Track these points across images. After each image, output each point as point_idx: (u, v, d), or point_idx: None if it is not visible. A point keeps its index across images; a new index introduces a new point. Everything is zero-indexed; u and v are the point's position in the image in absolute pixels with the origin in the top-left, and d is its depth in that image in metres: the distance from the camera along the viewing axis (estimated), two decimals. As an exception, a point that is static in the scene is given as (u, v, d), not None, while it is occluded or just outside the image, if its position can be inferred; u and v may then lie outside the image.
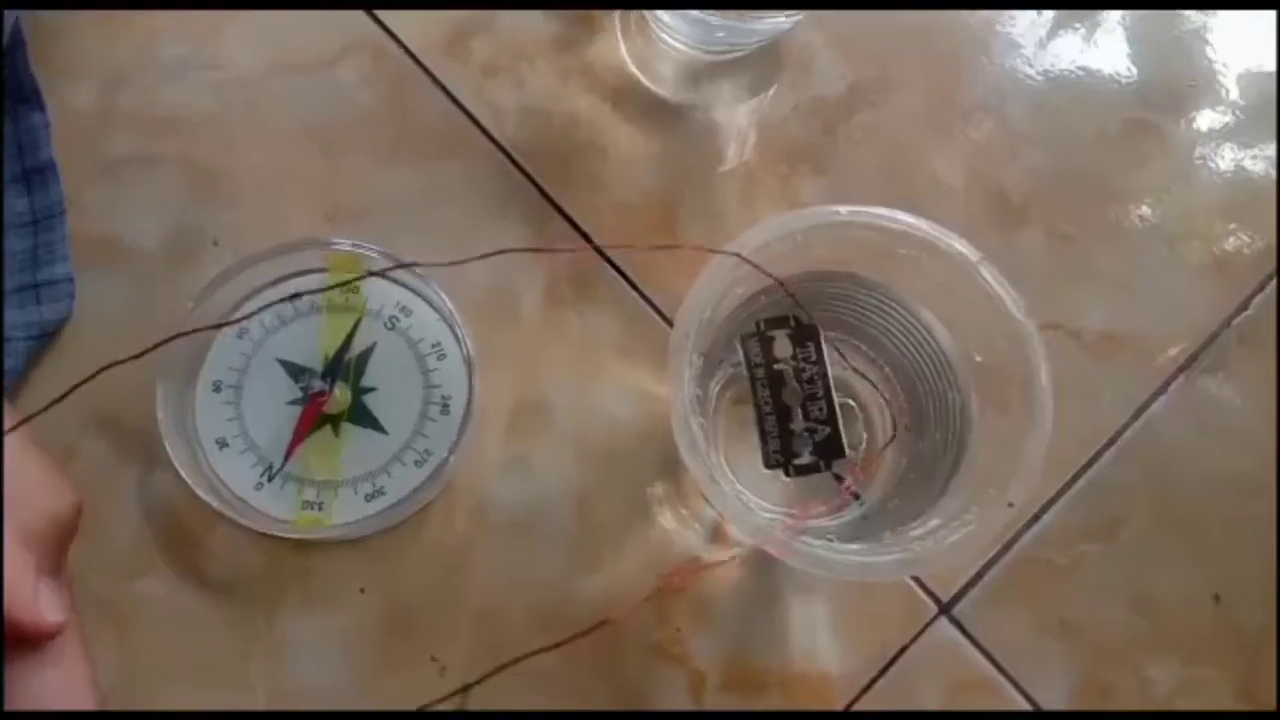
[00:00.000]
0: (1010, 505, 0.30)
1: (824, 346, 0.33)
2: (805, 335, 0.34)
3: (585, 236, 0.41)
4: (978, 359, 0.33)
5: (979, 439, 0.33)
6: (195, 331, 0.35)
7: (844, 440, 0.32)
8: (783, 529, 0.29)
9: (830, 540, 0.31)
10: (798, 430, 0.33)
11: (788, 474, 0.32)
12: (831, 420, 0.32)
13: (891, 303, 0.35)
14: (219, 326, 0.38)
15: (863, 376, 0.37)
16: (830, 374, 0.33)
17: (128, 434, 0.38)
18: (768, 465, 0.32)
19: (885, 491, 0.36)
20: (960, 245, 0.32)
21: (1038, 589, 0.40)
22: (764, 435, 0.33)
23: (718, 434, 0.37)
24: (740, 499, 0.32)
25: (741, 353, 0.34)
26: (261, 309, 0.34)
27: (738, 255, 0.30)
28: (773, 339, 0.34)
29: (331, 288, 0.39)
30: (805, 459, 0.32)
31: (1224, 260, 0.43)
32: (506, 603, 0.38)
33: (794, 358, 0.34)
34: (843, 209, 0.32)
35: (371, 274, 0.38)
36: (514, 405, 0.40)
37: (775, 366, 0.34)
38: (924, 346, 0.35)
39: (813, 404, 0.33)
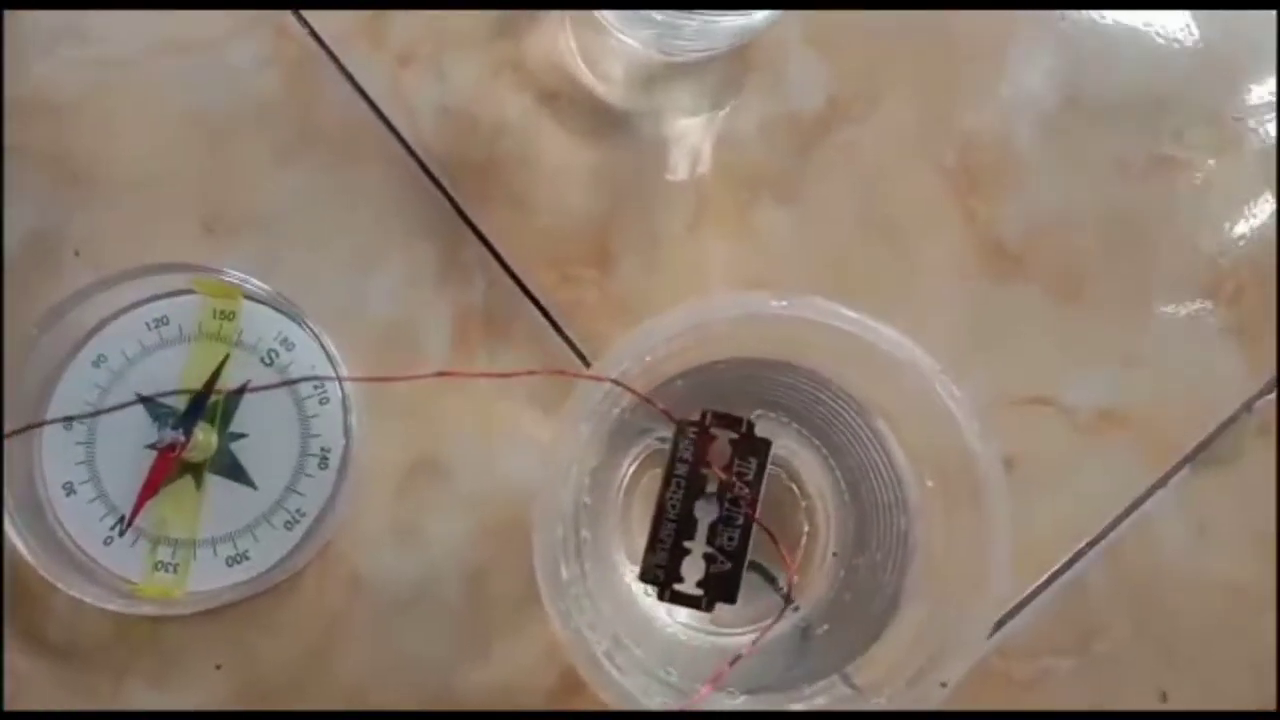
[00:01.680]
0: (943, 685, 0.24)
1: (767, 469, 0.28)
2: (751, 448, 0.28)
3: (501, 262, 0.36)
4: (929, 484, 0.27)
5: (921, 580, 0.27)
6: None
7: (740, 585, 0.27)
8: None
9: (731, 692, 0.27)
10: (694, 551, 0.27)
11: (661, 596, 0.27)
12: (738, 557, 0.27)
13: (839, 401, 0.29)
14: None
15: (808, 465, 0.32)
16: (760, 504, 0.27)
17: (-35, 471, 0.34)
18: (642, 578, 0.27)
19: (823, 606, 0.31)
20: (915, 353, 0.26)
21: (990, 708, 0.35)
22: (653, 542, 0.27)
23: (630, 523, 0.32)
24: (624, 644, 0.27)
25: (671, 440, 0.29)
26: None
27: (612, 381, 0.24)
28: (714, 438, 0.28)
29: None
30: (688, 588, 0.27)
31: (1251, 331, 0.37)
32: (381, 689, 0.33)
33: (727, 469, 0.28)
34: (774, 300, 0.26)
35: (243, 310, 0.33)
36: (408, 462, 0.35)
37: (702, 470, 0.28)
38: (872, 454, 0.29)
39: (726, 529, 0.27)
